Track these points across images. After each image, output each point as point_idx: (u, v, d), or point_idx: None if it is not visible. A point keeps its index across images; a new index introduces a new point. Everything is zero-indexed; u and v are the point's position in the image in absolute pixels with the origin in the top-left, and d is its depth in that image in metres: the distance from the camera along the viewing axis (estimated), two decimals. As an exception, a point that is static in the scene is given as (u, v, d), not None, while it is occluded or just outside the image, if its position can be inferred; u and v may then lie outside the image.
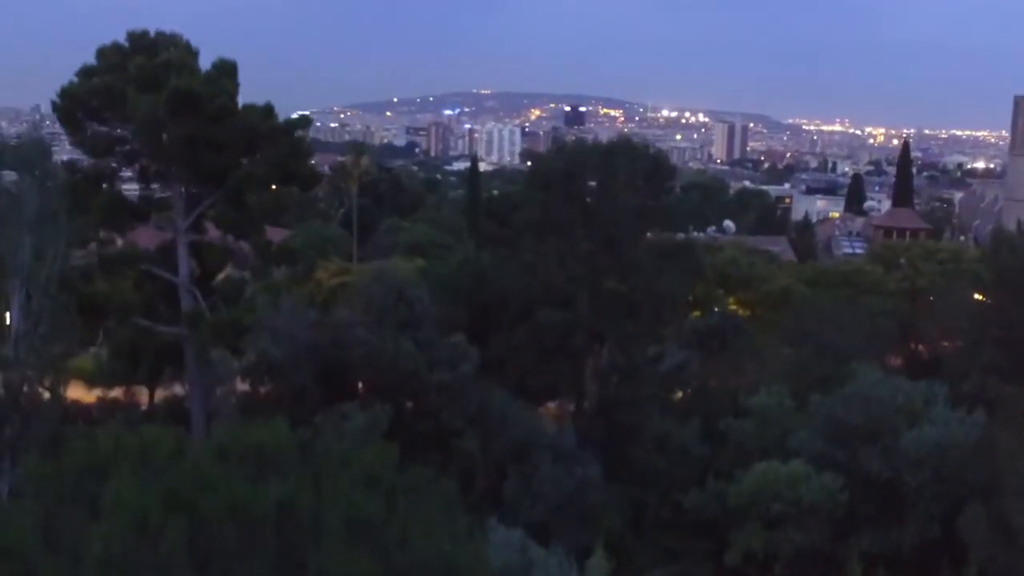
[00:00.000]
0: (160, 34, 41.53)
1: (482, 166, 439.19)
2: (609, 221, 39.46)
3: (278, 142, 39.86)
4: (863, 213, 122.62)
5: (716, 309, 65.35)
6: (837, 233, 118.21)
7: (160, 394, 55.13)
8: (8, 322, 27.11)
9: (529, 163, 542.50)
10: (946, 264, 70.06)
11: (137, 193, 44.48)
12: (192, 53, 40.91)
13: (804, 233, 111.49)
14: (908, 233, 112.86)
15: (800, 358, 46.17)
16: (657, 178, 41.10)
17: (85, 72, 42.01)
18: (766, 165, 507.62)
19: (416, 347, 34.39)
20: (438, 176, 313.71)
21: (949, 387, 44.08)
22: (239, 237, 41.78)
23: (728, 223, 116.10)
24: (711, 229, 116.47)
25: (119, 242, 43.93)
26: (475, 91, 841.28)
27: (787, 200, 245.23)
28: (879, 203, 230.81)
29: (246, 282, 41.73)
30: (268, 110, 40.46)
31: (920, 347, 58.78)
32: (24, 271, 26.77)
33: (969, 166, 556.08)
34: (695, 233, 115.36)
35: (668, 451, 37.73)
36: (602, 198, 39.76)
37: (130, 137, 40.44)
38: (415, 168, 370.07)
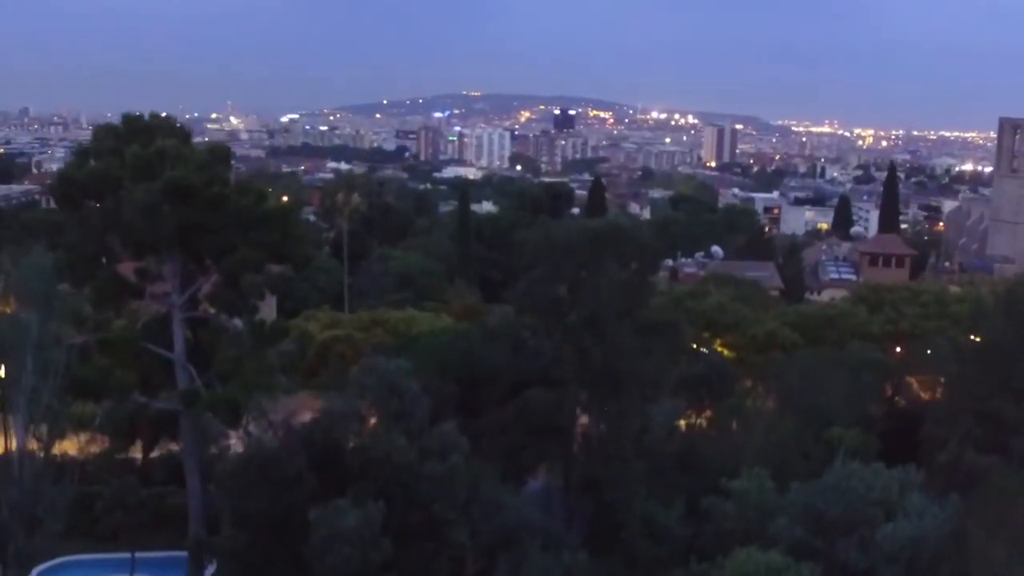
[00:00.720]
0: (155, 116, 42.52)
1: (472, 172, 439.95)
2: (595, 302, 40.41)
3: (271, 226, 40.82)
4: (850, 238, 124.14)
5: (704, 350, 66.52)
6: (824, 258, 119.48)
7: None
8: (13, 439, 27.96)
9: (518, 167, 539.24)
10: (929, 307, 71.23)
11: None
12: (186, 138, 41.89)
13: (791, 259, 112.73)
14: (894, 260, 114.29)
15: (783, 426, 47.16)
16: (643, 261, 42.13)
17: (81, 153, 43.05)
18: (755, 169, 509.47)
19: (407, 438, 35.34)
20: (428, 185, 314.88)
21: (926, 457, 45.47)
22: (233, 315, 42.72)
23: (716, 248, 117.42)
24: (699, 255, 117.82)
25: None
26: (465, 93, 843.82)
27: (776, 211, 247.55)
28: (867, 216, 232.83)
29: (241, 359, 42.50)
30: (261, 195, 41.46)
31: (902, 400, 59.95)
32: (28, 391, 27.69)
33: (957, 169, 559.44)
34: (683, 260, 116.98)
35: (653, 531, 38.74)
36: (589, 280, 40.72)
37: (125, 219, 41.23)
38: (405, 176, 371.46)
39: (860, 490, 34.65)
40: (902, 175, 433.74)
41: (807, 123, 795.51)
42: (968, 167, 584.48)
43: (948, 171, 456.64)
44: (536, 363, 41.17)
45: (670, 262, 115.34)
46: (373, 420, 37.84)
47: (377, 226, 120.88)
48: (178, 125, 42.25)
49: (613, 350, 40.35)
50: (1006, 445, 43.65)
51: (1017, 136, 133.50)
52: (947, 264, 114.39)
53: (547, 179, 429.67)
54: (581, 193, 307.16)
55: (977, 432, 44.08)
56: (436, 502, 35.00)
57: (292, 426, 37.19)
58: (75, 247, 43.74)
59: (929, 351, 56.40)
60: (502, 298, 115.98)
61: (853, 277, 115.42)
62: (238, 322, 43.80)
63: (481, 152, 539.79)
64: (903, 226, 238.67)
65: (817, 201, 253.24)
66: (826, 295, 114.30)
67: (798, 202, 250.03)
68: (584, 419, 44.22)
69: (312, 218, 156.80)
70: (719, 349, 69.37)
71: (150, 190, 38.55)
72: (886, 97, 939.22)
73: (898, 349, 68.93)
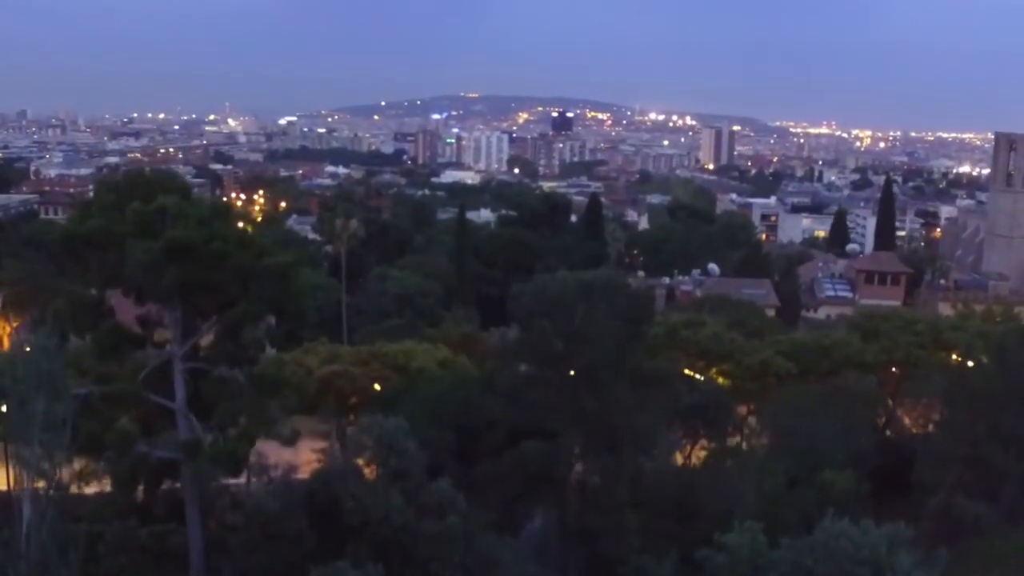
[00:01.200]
0: (156, 172, 43.31)
1: (470, 176, 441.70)
2: (590, 355, 41.14)
3: (271, 281, 41.46)
4: (845, 255, 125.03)
5: (699, 377, 67.18)
6: (820, 275, 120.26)
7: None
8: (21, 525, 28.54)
9: (516, 170, 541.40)
10: (923, 336, 71.80)
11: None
12: (186, 193, 42.52)
13: (788, 276, 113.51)
14: (890, 277, 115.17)
15: (776, 468, 47.87)
16: (636, 314, 42.84)
17: (83, 205, 43.68)
18: (753, 171, 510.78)
19: (405, 496, 36.01)
20: (426, 191, 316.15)
21: (917, 499, 46.22)
22: (233, 367, 43.31)
23: (712, 266, 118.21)
24: (696, 272, 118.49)
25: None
26: (463, 94, 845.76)
27: (773, 218, 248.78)
28: (864, 223, 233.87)
29: (242, 411, 43.12)
30: (260, 250, 42.05)
31: (893, 434, 60.71)
32: (34, 472, 28.30)
33: (955, 171, 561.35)
34: (680, 277, 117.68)
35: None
36: (583, 333, 41.42)
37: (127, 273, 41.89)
38: (403, 181, 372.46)
39: (849, 549, 35.21)
40: (899, 179, 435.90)
41: (805, 124, 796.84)
42: (966, 168, 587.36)
43: (946, 175, 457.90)
44: (532, 414, 41.81)
45: (667, 280, 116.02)
46: (370, 475, 38.49)
47: (375, 243, 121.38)
48: (180, 180, 42.77)
49: (608, 403, 41.06)
50: (996, 491, 44.39)
51: (1012, 151, 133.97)
52: (942, 282, 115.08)
53: (545, 183, 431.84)
54: (580, 200, 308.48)
55: (967, 478, 44.78)
56: (433, 561, 35.66)
57: (292, 484, 37.85)
58: (77, 295, 44.52)
59: (921, 387, 57.23)
60: (499, 318, 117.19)
61: (849, 295, 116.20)
62: (239, 374, 44.37)
63: (479, 155, 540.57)
64: (900, 233, 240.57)
65: (814, 208, 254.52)
66: (822, 312, 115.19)
67: (795, 209, 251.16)
68: (580, 466, 44.88)
69: (311, 232, 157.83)
70: (715, 376, 69.98)
71: (151, 248, 39.22)
72: (884, 98, 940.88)
73: (893, 369, 69.56)
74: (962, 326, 75.67)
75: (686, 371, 65.79)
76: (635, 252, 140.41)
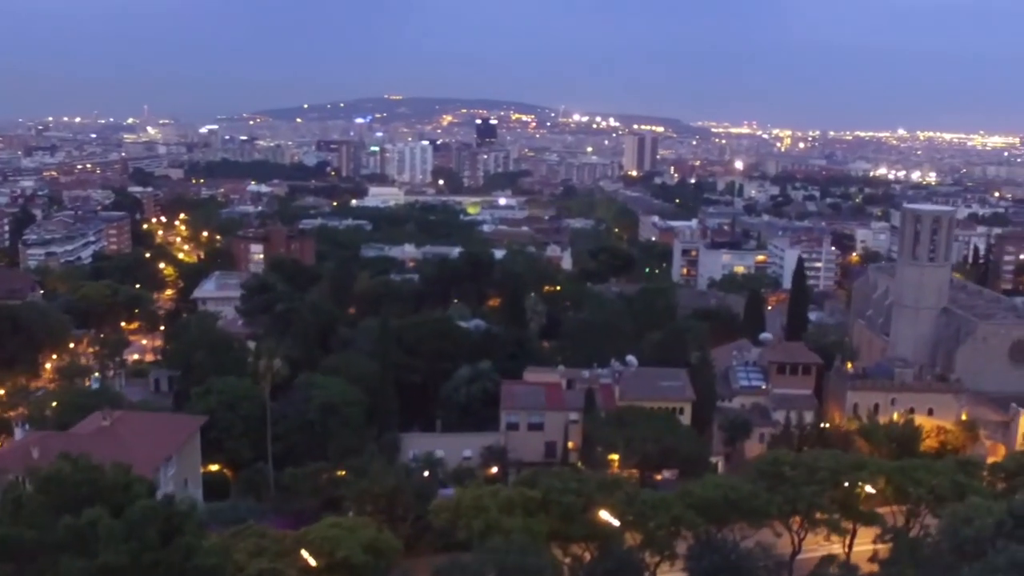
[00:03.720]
0: (80, 467, 45.04)
1: (393, 193, 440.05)
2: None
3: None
4: (759, 343, 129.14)
5: (616, 523, 70.19)
6: (735, 363, 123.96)
7: None
8: None
9: (441, 181, 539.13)
10: (825, 483, 75.75)
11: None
12: (113, 489, 44.26)
13: (702, 367, 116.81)
14: (800, 368, 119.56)
15: None
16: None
17: (14, 501, 45.24)
18: (676, 180, 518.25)
19: None
20: (350, 221, 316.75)
21: None
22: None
23: (630, 358, 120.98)
24: (615, 363, 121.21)
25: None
26: (386, 96, 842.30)
27: (693, 253, 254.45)
28: (783, 255, 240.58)
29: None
30: (189, 548, 43.95)
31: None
32: None
33: (872, 174, 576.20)
34: (600, 370, 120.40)
35: None
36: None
37: None
38: (327, 208, 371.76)
39: None
40: (817, 193, 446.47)
41: (727, 124, 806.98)
42: (882, 171, 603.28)
43: (862, 189, 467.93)
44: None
45: (586, 373, 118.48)
46: None
47: (299, 342, 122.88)
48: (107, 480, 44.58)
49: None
50: None
51: (918, 225, 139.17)
52: (848, 368, 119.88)
53: (469, 198, 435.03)
54: (503, 228, 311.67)
55: None
56: None
57: None
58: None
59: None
60: (420, 407, 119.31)
61: (763, 384, 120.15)
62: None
63: (403, 166, 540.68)
64: (817, 264, 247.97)
65: (734, 245, 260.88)
66: (737, 402, 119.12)
67: (715, 245, 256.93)
68: None
69: (236, 302, 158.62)
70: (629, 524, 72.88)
71: (87, 568, 41.13)
72: (803, 98, 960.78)
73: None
74: (863, 463, 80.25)
75: (604, 517, 69.15)
76: (554, 342, 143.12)
